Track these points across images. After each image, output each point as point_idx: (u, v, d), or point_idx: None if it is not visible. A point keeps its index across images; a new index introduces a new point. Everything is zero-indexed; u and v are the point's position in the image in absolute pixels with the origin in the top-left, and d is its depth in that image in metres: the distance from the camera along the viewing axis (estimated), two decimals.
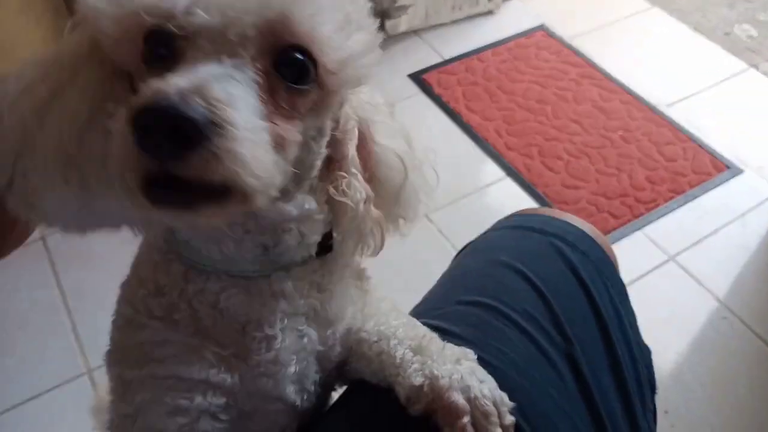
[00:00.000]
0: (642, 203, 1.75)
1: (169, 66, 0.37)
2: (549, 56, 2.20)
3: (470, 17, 2.33)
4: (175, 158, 0.32)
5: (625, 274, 0.80)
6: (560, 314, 0.61)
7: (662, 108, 2.04)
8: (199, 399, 0.49)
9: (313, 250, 0.51)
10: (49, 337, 1.52)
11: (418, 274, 1.62)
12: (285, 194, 0.44)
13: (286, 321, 0.51)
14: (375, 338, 0.54)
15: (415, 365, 0.49)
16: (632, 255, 1.63)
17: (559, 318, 0.61)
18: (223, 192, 0.35)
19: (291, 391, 0.53)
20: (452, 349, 0.51)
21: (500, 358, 0.55)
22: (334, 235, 0.52)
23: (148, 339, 0.50)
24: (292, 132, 0.39)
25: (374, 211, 0.51)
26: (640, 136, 1.94)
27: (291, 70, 0.39)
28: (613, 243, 1.62)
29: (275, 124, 0.38)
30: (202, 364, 0.49)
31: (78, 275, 1.63)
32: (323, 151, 0.47)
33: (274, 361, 0.50)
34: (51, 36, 1.92)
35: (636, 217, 1.72)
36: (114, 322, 0.54)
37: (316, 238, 0.51)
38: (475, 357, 0.51)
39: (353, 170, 0.48)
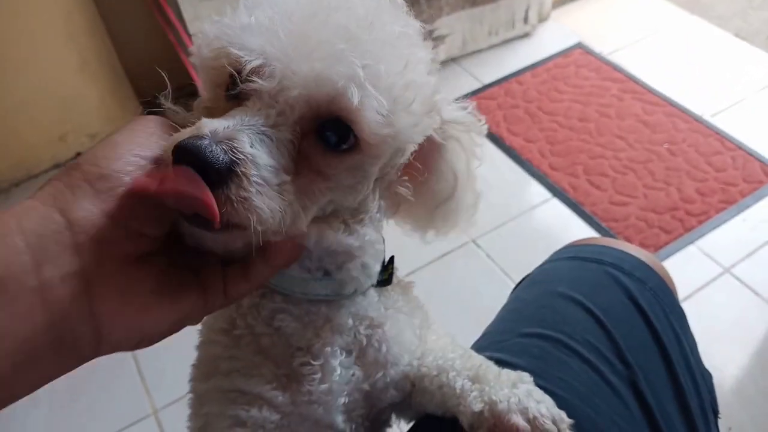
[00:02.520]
0: (693, 216, 1.74)
1: (236, 105, 0.43)
2: (588, 74, 2.21)
3: (507, 41, 2.36)
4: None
5: (681, 289, 0.80)
6: (621, 343, 0.63)
7: (707, 118, 2.02)
8: (255, 412, 0.52)
9: (375, 280, 0.54)
10: (115, 379, 1.58)
11: (468, 299, 1.65)
12: (346, 227, 0.48)
13: (339, 354, 0.54)
14: (435, 372, 0.56)
15: (474, 393, 0.51)
16: (687, 270, 1.62)
17: (620, 346, 0.63)
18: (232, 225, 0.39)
19: (340, 421, 0.55)
20: (508, 375, 0.53)
21: (564, 388, 0.57)
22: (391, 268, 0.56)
23: (218, 354, 0.54)
24: (322, 184, 0.44)
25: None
26: (686, 147, 1.92)
27: (331, 135, 0.43)
28: (665, 258, 1.62)
29: (304, 177, 0.42)
30: (260, 379, 0.52)
31: None
32: (366, 190, 0.49)
33: (327, 392, 0.53)
34: (108, 94, 2.02)
35: (688, 230, 1.70)
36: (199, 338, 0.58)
37: (377, 268, 0.54)
38: (531, 379, 0.53)
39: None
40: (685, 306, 0.75)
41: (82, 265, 0.36)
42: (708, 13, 2.46)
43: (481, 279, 1.67)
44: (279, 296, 0.53)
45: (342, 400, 0.55)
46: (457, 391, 0.53)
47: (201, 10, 1.80)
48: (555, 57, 2.30)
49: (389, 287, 0.58)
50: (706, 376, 0.70)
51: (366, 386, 0.56)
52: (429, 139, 0.50)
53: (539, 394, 0.52)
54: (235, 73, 0.42)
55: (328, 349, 0.53)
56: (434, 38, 2.19)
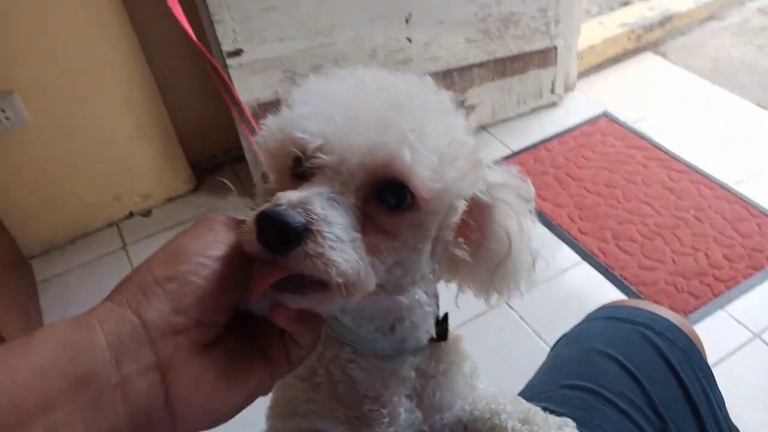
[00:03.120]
0: (721, 281, 1.78)
1: (303, 182, 0.47)
2: (614, 141, 2.30)
3: (535, 110, 2.47)
4: (280, 253, 0.42)
5: (711, 354, 0.84)
6: (654, 396, 0.69)
7: (732, 185, 2.08)
8: None
9: (427, 337, 0.59)
10: None
11: (501, 359, 1.69)
12: (398, 288, 0.52)
13: (404, 401, 0.59)
14: (488, 415, 0.62)
15: None
16: (716, 335, 1.65)
17: (653, 399, 0.68)
18: (325, 285, 0.43)
19: None
20: (554, 419, 0.59)
21: None
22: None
23: (296, 396, 0.60)
24: (388, 243, 0.47)
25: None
26: (712, 214, 1.98)
27: (390, 197, 0.47)
28: (695, 323, 1.66)
29: (371, 237, 0.46)
30: (334, 421, 0.58)
31: None
32: (427, 249, 0.53)
33: None
34: (161, 158, 2.15)
35: (716, 295, 1.74)
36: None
37: (428, 326, 0.58)
38: (575, 425, 0.58)
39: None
40: (715, 371, 0.80)
41: (156, 359, 0.39)
42: (730, 83, 2.55)
43: (514, 340, 1.72)
44: (350, 348, 0.58)
45: None
46: (509, 431, 0.58)
47: (251, 83, 1.94)
48: (581, 125, 2.39)
49: (445, 345, 0.62)
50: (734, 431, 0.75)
51: (425, 428, 0.62)
52: (478, 201, 0.53)
53: None
54: (300, 154, 0.47)
55: (395, 398, 0.59)
56: (465, 107, 2.31)
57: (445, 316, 0.62)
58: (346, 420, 0.59)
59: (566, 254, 1.93)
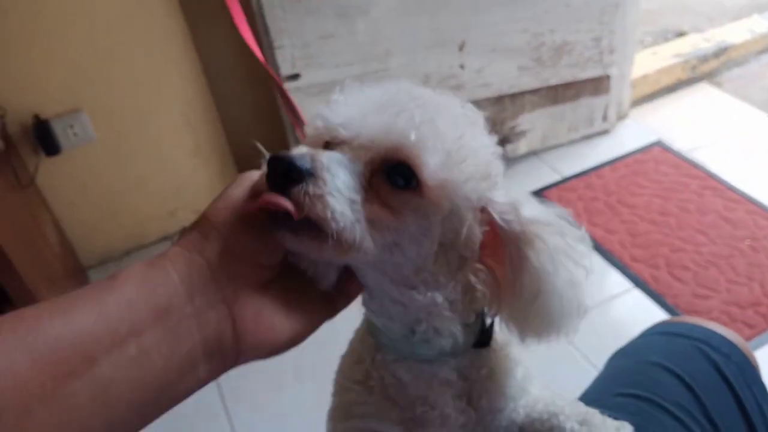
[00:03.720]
0: None
1: None
2: (668, 170, 2.27)
3: (586, 137, 2.46)
4: (283, 189, 0.45)
5: (766, 383, 0.84)
6: (708, 406, 0.68)
7: None
8: None
9: (450, 344, 0.58)
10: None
11: (549, 384, 1.67)
12: (403, 278, 0.53)
13: (451, 401, 0.60)
14: (546, 417, 0.63)
15: None
16: None
17: (707, 409, 0.68)
18: (320, 233, 0.46)
19: None
20: (612, 422, 0.60)
21: None
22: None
23: (353, 400, 0.62)
24: (388, 218, 0.48)
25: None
26: None
27: (397, 176, 0.49)
28: None
29: (373, 206, 0.48)
30: (390, 422, 0.60)
31: (236, 382, 1.80)
32: (430, 248, 0.53)
33: None
34: (216, 177, 2.22)
35: None
36: (334, 386, 0.67)
37: (452, 332, 0.56)
38: (633, 428, 0.59)
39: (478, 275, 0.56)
40: None
41: (222, 295, 0.45)
42: None
43: (563, 365, 1.70)
44: (393, 354, 0.60)
45: None
46: (567, 431, 0.59)
47: (307, 105, 2.00)
48: (634, 153, 2.38)
49: (490, 350, 0.62)
50: None
51: (481, 429, 0.63)
52: (505, 230, 0.53)
53: None
54: (329, 139, 0.52)
55: (441, 399, 0.60)
56: (516, 133, 2.32)
57: (492, 324, 0.61)
58: (400, 422, 0.61)
59: (617, 280, 1.91)
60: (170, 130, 2.07)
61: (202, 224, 0.47)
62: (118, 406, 0.40)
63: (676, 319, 0.87)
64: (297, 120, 0.91)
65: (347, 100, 0.53)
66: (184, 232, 0.48)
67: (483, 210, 0.53)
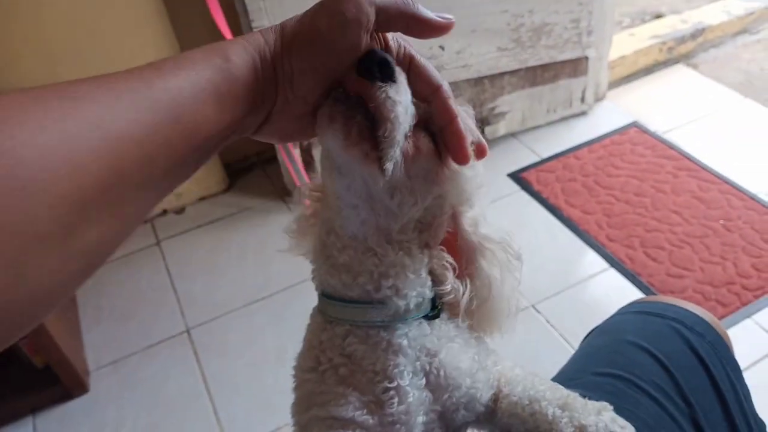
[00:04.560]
0: (749, 291, 1.78)
1: None
2: (644, 151, 2.31)
3: (564, 118, 2.49)
4: (372, 77, 0.49)
5: (738, 361, 0.86)
6: (683, 385, 0.71)
7: (762, 196, 2.08)
8: None
9: (413, 304, 0.60)
10: (195, 422, 1.69)
11: (528, 363, 1.70)
12: (386, 225, 0.57)
13: (407, 375, 0.60)
14: (526, 401, 0.63)
15: (565, 419, 0.59)
16: (743, 343, 1.65)
17: (682, 388, 0.71)
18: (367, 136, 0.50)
19: None
20: (593, 404, 0.61)
21: (635, 420, 0.65)
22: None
23: (310, 390, 0.62)
24: (414, 152, 0.53)
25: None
26: (742, 224, 1.98)
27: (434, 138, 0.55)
28: None
29: (409, 143, 0.52)
30: (350, 406, 0.60)
31: (218, 364, 1.81)
32: (417, 210, 0.58)
33: (405, 412, 0.60)
34: None
35: (744, 304, 1.75)
36: (293, 382, 0.66)
37: (413, 296, 0.60)
38: (612, 408, 0.60)
39: (447, 263, 0.61)
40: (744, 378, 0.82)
41: (274, 75, 0.49)
42: (761, 96, 2.55)
43: (541, 344, 1.74)
44: (343, 326, 0.61)
45: (420, 419, 0.61)
46: (549, 417, 0.60)
47: None
48: (611, 134, 2.41)
49: (439, 321, 0.64)
50: (760, 424, 0.77)
51: (438, 407, 0.63)
52: (467, 239, 0.60)
53: (622, 421, 0.59)
54: None
55: (396, 370, 0.60)
56: (495, 114, 2.34)
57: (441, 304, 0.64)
58: (362, 405, 0.61)
59: (593, 260, 1.95)
60: None
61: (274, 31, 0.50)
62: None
63: (652, 298, 0.89)
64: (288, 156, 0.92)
65: None
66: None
67: (453, 216, 0.60)
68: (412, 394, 0.60)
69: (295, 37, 0.49)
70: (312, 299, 0.66)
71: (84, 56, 1.86)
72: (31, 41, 1.78)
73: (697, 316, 0.82)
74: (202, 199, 2.30)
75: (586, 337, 0.88)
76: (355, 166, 0.53)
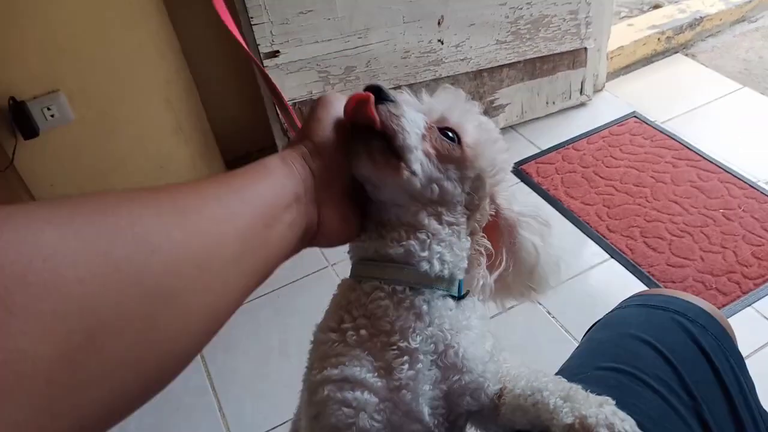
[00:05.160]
0: (750, 279, 1.79)
1: None
2: (643, 141, 2.31)
3: (563, 110, 2.49)
4: (378, 97, 0.60)
5: (740, 350, 0.87)
6: (687, 378, 0.72)
7: (762, 184, 2.09)
8: (359, 395, 0.62)
9: (447, 273, 0.67)
10: (201, 418, 1.70)
11: (530, 354, 1.72)
12: (426, 206, 0.65)
13: (421, 339, 0.64)
14: (529, 392, 0.64)
15: (566, 409, 0.60)
16: (744, 331, 1.64)
17: (686, 381, 0.72)
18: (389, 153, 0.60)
19: (426, 413, 0.64)
20: (595, 397, 0.61)
21: (638, 413, 0.66)
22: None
23: (327, 351, 0.65)
24: (437, 156, 0.63)
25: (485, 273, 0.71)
26: (742, 213, 1.99)
27: (447, 131, 0.65)
28: None
29: (427, 144, 0.62)
30: (362, 369, 0.63)
31: (223, 360, 1.82)
32: (459, 202, 0.67)
33: (413, 377, 0.63)
34: (198, 154, 2.21)
35: (745, 293, 1.76)
36: (311, 346, 0.70)
37: (449, 268, 0.66)
38: (615, 402, 0.61)
39: (483, 247, 0.71)
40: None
41: (317, 197, 0.59)
42: (760, 85, 2.56)
43: (543, 335, 1.75)
44: (374, 283, 0.66)
45: (426, 387, 0.64)
46: (551, 407, 0.61)
47: (287, 83, 2.00)
48: (610, 125, 2.41)
49: (465, 305, 0.69)
50: (765, 416, 0.78)
51: (444, 386, 0.65)
52: (506, 217, 0.70)
53: (623, 414, 0.60)
54: None
55: (411, 331, 0.64)
56: (494, 107, 2.34)
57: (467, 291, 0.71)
58: (373, 369, 0.64)
59: (594, 251, 1.96)
60: (149, 109, 2.05)
61: (305, 141, 0.60)
62: (270, 261, 0.53)
63: (653, 291, 0.90)
64: (281, 103, 0.94)
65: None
66: (292, 143, 0.61)
67: (491, 198, 0.70)
68: (422, 361, 0.64)
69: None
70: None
71: (83, 54, 1.86)
72: (30, 45, 1.79)
73: (700, 308, 0.83)
74: None
75: (588, 331, 0.89)
76: (390, 181, 0.62)
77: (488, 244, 0.70)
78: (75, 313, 0.35)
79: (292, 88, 2.01)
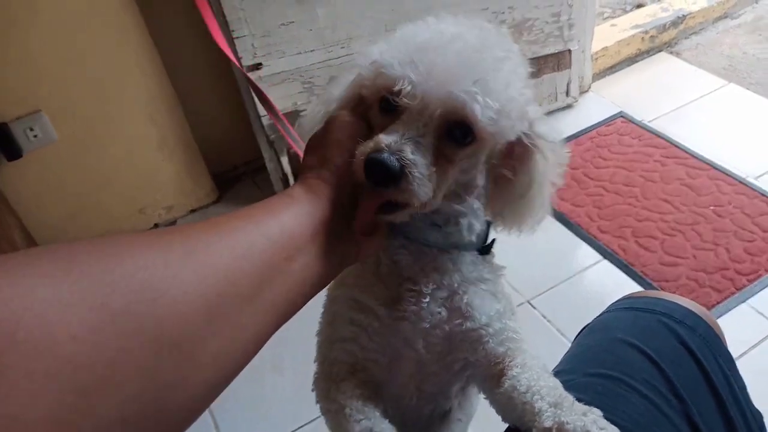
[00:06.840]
0: (743, 275, 1.78)
1: (391, 118, 0.61)
2: (631, 141, 2.31)
3: (550, 112, 2.49)
4: (384, 187, 0.58)
5: (735, 347, 0.86)
6: (675, 381, 0.71)
7: (751, 180, 2.09)
8: (363, 317, 0.70)
9: (475, 238, 0.70)
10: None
11: None
12: (457, 197, 0.67)
13: (432, 289, 0.69)
14: (524, 390, 0.65)
15: (548, 414, 0.60)
16: (739, 328, 1.66)
17: (674, 384, 0.70)
18: (408, 205, 0.59)
19: (420, 345, 0.70)
20: (581, 406, 0.61)
21: (626, 419, 0.65)
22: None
23: (347, 272, 0.70)
24: (452, 169, 0.62)
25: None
26: (732, 209, 1.99)
27: (458, 132, 0.61)
28: (718, 317, 1.66)
29: (441, 166, 0.60)
30: (372, 295, 0.70)
31: None
32: (480, 173, 0.67)
33: (416, 312, 0.69)
34: (183, 169, 2.20)
35: (739, 289, 1.75)
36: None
37: (474, 230, 0.70)
38: (601, 413, 0.61)
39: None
40: (739, 363, 0.81)
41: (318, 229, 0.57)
42: (745, 81, 2.56)
43: (538, 339, 1.74)
44: (404, 239, 0.69)
45: (425, 324, 0.69)
46: (536, 410, 0.61)
47: (271, 95, 1.98)
48: (598, 126, 2.41)
49: (486, 263, 0.73)
50: (757, 415, 0.77)
51: (447, 327, 0.70)
52: (521, 144, 0.66)
53: (603, 422, 0.60)
54: (387, 94, 0.61)
55: (425, 280, 0.69)
56: None
57: (493, 240, 0.75)
58: (382, 297, 0.70)
59: (586, 252, 1.95)
60: (133, 126, 2.04)
61: (327, 164, 0.60)
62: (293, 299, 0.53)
63: (641, 293, 0.89)
64: (271, 110, 0.97)
65: (399, 51, 0.61)
66: (310, 166, 0.60)
67: (530, 126, 0.67)
68: (428, 302, 0.69)
69: None
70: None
71: (64, 74, 1.85)
72: (10, 66, 1.77)
73: (687, 309, 0.82)
74: (193, 211, 2.30)
75: (577, 338, 0.88)
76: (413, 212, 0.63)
77: (507, 172, 0.69)
78: (68, 372, 0.33)
79: (277, 99, 2.00)
